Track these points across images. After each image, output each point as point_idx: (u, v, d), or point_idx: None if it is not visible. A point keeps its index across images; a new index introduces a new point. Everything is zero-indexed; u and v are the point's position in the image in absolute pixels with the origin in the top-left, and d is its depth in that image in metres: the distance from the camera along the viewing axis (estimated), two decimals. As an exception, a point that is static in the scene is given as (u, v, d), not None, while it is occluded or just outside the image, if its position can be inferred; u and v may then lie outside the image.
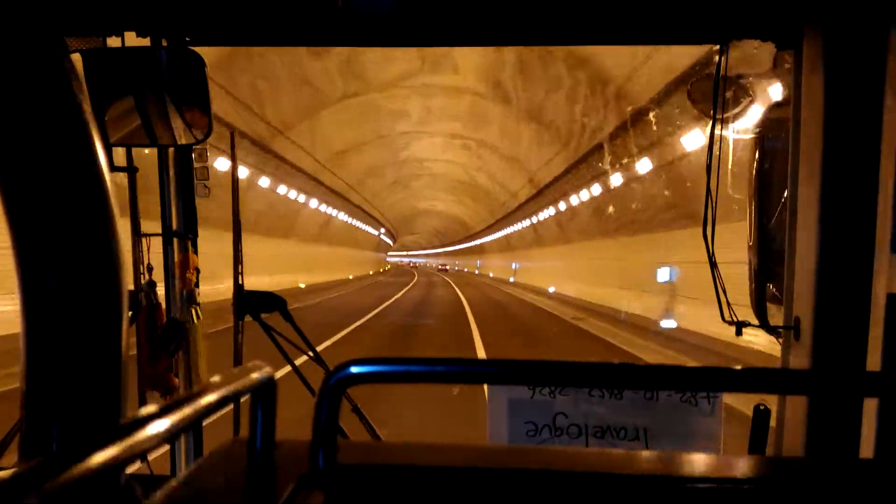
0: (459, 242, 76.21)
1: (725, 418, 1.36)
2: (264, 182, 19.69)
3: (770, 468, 0.83)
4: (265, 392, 0.71)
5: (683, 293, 14.36)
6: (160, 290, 1.91)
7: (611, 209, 18.41)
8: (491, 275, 54.02)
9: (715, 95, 1.58)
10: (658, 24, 1.60)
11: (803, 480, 0.76)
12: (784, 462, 1.07)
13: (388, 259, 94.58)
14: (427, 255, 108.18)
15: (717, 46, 1.57)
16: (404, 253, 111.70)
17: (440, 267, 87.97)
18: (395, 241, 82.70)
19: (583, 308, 20.04)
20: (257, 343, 1.96)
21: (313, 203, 27.93)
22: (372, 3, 1.49)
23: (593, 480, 0.74)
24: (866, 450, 1.25)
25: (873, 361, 1.27)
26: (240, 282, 1.98)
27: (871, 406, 1.25)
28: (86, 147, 1.12)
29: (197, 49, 1.61)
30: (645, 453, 0.83)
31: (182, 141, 1.70)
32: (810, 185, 1.39)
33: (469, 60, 16.25)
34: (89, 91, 1.34)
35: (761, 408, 1.42)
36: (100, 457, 0.45)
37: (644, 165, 14.86)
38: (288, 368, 1.89)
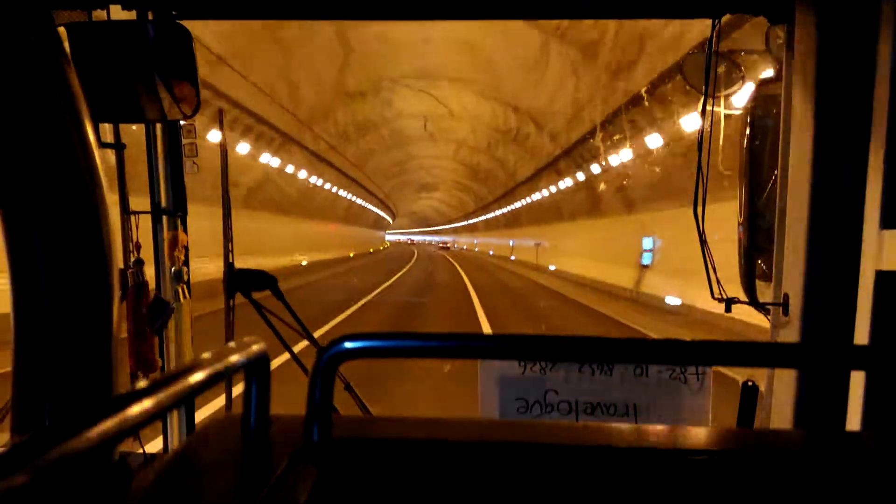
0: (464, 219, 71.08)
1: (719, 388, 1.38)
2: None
3: (758, 441, 0.84)
4: (259, 367, 0.71)
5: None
6: (149, 269, 1.89)
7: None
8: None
9: (707, 71, 1.57)
10: None
11: (791, 452, 0.77)
12: (772, 434, 1.08)
13: (388, 237, 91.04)
14: (432, 232, 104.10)
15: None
16: (406, 230, 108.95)
17: (441, 245, 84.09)
18: (394, 219, 78.72)
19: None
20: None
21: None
22: None
23: (584, 453, 0.75)
24: (853, 423, 1.26)
25: (861, 339, 1.28)
26: (230, 259, 1.97)
27: (858, 380, 1.26)
28: (73, 123, 1.10)
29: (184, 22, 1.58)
30: (635, 427, 0.83)
31: (170, 117, 1.68)
32: (800, 162, 1.39)
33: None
34: (75, 66, 1.32)
35: (749, 384, 1.43)
36: (91, 433, 0.45)
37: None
38: (287, 352, 1.89)
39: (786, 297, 1.43)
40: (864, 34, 1.27)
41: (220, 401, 2.12)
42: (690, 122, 12.42)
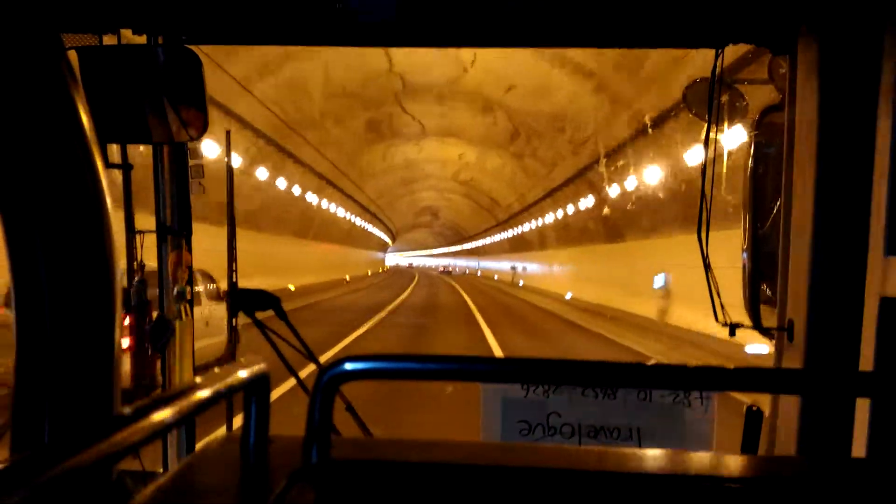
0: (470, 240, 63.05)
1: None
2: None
3: (763, 467, 0.84)
4: (259, 388, 0.71)
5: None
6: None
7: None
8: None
9: (710, 100, 1.58)
10: (653, 27, 1.60)
11: (796, 479, 0.77)
12: (777, 461, 1.07)
13: (388, 260, 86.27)
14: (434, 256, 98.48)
15: None
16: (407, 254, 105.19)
17: (442, 269, 79.00)
18: (394, 241, 74.21)
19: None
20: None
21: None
22: (369, 3, 1.49)
23: (587, 478, 0.74)
24: (858, 450, 1.25)
25: (865, 365, 1.27)
26: (234, 279, 1.97)
27: (863, 406, 1.25)
28: (81, 144, 1.11)
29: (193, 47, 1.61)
30: (638, 452, 0.83)
31: (178, 139, 1.69)
32: (804, 189, 1.40)
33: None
34: (85, 88, 1.34)
35: (754, 409, 1.42)
36: (91, 451, 0.45)
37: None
38: (306, 367, 1.87)
39: (790, 322, 1.43)
40: (866, 64, 1.28)
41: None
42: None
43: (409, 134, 26.59)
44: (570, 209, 25.18)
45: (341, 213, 35.01)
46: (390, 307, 23.63)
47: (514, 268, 46.53)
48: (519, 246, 43.58)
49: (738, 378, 0.71)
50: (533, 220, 34.04)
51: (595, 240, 25.39)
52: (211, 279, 10.08)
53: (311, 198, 26.96)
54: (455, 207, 52.36)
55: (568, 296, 28.04)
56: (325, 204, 30.00)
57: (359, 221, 42.58)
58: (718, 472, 0.77)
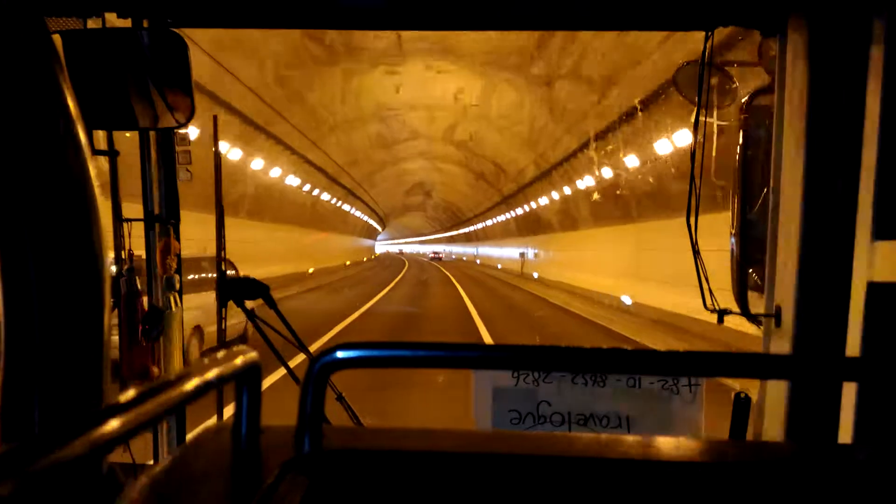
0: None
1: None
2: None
3: (751, 452, 0.84)
4: (250, 377, 0.71)
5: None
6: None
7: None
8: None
9: (700, 82, 1.58)
10: (644, 9, 1.59)
11: (783, 464, 0.77)
12: (765, 446, 1.08)
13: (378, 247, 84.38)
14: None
15: None
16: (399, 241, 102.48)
17: (433, 255, 77.77)
18: (384, 227, 71.88)
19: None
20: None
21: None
22: None
23: (577, 464, 0.74)
24: (845, 435, 1.26)
25: (853, 351, 1.28)
26: (223, 267, 1.96)
27: (850, 392, 1.26)
28: (67, 130, 1.10)
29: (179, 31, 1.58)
30: (628, 438, 0.83)
31: (163, 124, 1.68)
32: (793, 173, 1.40)
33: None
34: (69, 73, 1.32)
35: (742, 396, 1.44)
36: (81, 441, 0.45)
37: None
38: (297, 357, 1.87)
39: (778, 308, 1.43)
40: (855, 47, 1.28)
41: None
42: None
43: (377, 50, 15.89)
44: (632, 162, 14.69)
45: (294, 182, 24.03)
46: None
47: (523, 255, 35.89)
48: (531, 227, 32.15)
49: (726, 364, 0.72)
50: (554, 191, 23.25)
51: (676, 209, 9.76)
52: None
53: (234, 153, 16.90)
54: (450, 182, 40.24)
55: (626, 300, 17.22)
56: (257, 164, 19.12)
57: (325, 196, 31.09)
58: (707, 457, 0.78)
